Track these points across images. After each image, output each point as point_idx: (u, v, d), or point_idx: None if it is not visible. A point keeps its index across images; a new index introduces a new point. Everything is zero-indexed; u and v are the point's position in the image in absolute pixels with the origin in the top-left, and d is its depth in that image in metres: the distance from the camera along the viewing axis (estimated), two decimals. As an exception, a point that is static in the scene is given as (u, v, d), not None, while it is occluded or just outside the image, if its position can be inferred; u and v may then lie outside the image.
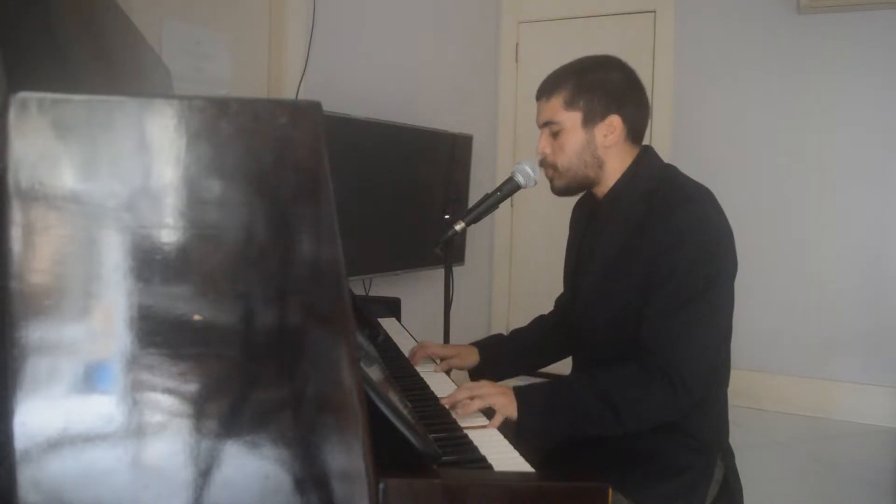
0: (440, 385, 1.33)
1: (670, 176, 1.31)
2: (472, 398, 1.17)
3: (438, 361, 1.51)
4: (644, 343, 1.19)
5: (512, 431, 1.15)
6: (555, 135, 1.32)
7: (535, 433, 1.17)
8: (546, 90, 1.33)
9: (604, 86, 1.29)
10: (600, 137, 1.30)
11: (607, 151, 1.31)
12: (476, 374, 1.52)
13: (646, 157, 1.33)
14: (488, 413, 1.17)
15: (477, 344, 1.56)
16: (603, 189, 1.34)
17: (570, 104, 1.30)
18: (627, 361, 1.20)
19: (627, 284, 1.25)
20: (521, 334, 1.61)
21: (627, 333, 1.23)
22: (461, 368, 1.53)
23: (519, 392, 1.20)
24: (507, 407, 1.17)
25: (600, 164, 1.32)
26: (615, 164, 1.32)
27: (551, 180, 1.37)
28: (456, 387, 1.26)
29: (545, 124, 1.33)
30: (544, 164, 1.36)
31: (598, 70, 1.31)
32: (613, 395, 1.17)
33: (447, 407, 1.17)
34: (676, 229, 1.19)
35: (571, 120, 1.30)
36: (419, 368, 1.45)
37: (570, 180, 1.34)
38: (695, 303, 1.17)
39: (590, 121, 1.30)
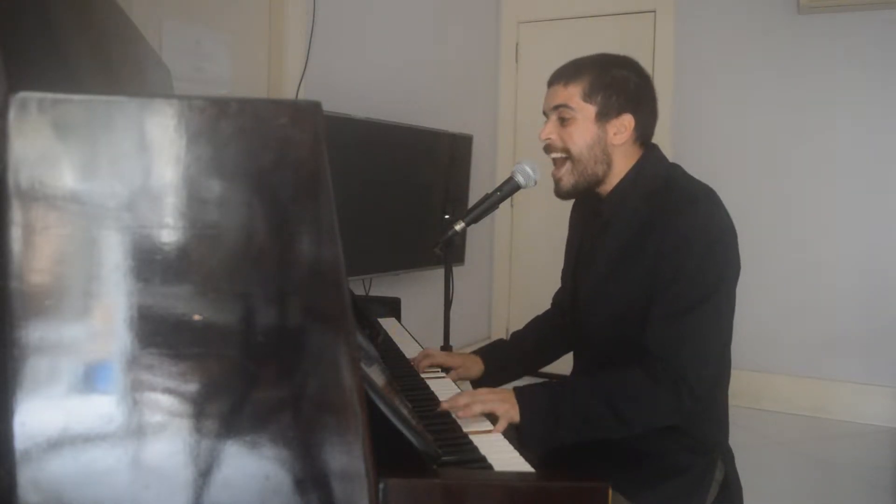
0: (442, 387, 1.32)
1: (675, 176, 1.30)
2: (472, 403, 1.13)
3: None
4: (649, 346, 1.18)
5: (515, 437, 1.12)
6: (563, 121, 1.29)
7: (538, 440, 1.15)
8: (565, 75, 1.29)
9: (625, 84, 1.28)
10: (611, 134, 1.28)
11: (615, 150, 1.29)
12: (480, 383, 1.49)
13: (651, 156, 1.32)
14: (492, 419, 1.14)
15: (479, 353, 1.53)
16: (607, 187, 1.33)
17: (588, 96, 1.27)
18: (631, 364, 1.18)
19: (631, 283, 1.24)
20: (520, 338, 1.60)
21: (630, 332, 1.23)
22: (465, 379, 1.50)
23: (521, 397, 1.16)
24: (510, 412, 1.14)
25: (608, 162, 1.30)
26: (620, 163, 1.31)
27: (559, 181, 1.32)
28: (457, 388, 1.25)
29: (556, 108, 1.29)
30: (552, 149, 1.31)
31: (621, 68, 1.29)
32: (618, 401, 1.15)
33: (447, 409, 1.14)
34: (682, 231, 1.18)
35: (585, 111, 1.27)
36: (423, 374, 1.41)
37: (580, 176, 1.30)
38: (700, 307, 1.16)
39: (603, 116, 1.27)
